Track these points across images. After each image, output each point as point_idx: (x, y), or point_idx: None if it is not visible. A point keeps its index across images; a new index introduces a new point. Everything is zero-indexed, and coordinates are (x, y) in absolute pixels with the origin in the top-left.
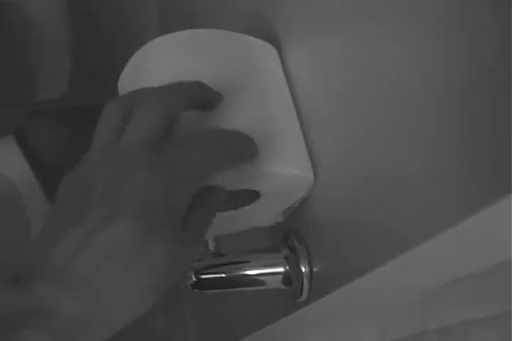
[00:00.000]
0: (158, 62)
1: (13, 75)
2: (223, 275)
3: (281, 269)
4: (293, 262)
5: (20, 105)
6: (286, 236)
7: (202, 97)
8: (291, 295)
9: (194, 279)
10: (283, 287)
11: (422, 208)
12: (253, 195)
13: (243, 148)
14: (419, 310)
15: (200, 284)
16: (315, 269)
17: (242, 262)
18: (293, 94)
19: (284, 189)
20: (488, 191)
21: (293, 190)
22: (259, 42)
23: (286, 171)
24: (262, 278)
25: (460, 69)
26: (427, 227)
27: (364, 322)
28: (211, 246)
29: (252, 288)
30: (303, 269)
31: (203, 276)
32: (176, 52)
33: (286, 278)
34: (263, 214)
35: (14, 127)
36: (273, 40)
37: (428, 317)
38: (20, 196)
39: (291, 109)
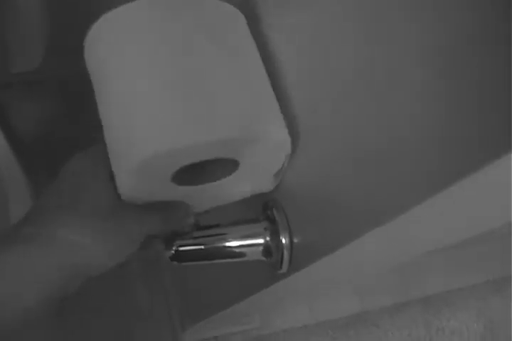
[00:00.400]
0: (120, 30)
1: None
2: (202, 247)
3: (261, 240)
4: (273, 233)
5: None
6: (265, 207)
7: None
8: (271, 266)
9: (172, 251)
10: (263, 258)
11: (402, 179)
12: (232, 165)
13: None
14: (402, 280)
15: (179, 256)
16: (295, 240)
17: (221, 234)
18: (266, 60)
19: (264, 154)
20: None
21: (274, 154)
22: (225, 6)
23: (261, 136)
24: (241, 249)
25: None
26: (406, 199)
27: (345, 292)
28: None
29: (232, 260)
30: (283, 240)
31: (182, 248)
32: (138, 18)
33: (266, 249)
34: (253, 181)
35: None
36: (244, 5)
37: (411, 287)
38: None
39: (262, 74)
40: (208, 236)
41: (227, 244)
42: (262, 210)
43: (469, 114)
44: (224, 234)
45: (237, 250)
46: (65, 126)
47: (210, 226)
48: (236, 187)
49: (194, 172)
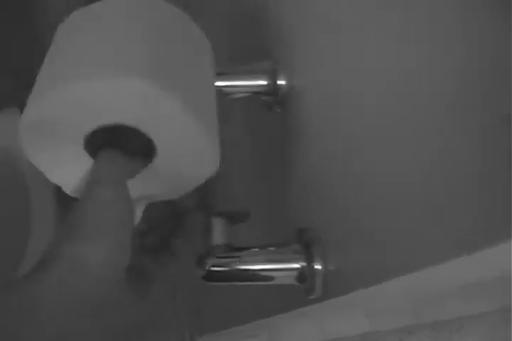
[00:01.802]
0: (85, 28)
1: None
2: (234, 268)
3: (294, 265)
4: (307, 259)
5: (25, 77)
6: (301, 233)
7: None
8: (304, 291)
9: (205, 271)
10: (296, 283)
11: (435, 233)
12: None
13: None
14: (413, 304)
15: (211, 276)
16: (329, 268)
17: (255, 256)
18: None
19: (183, 146)
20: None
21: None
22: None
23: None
24: (275, 273)
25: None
26: (439, 252)
27: (357, 312)
28: (222, 238)
29: (264, 283)
30: (317, 267)
31: (215, 268)
32: (102, 19)
33: (300, 274)
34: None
35: (20, 99)
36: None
37: (421, 312)
38: (20, 169)
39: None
40: (242, 257)
41: (261, 266)
42: (297, 235)
43: None
44: (258, 256)
45: (270, 274)
46: None
47: (244, 248)
48: (152, 182)
49: None
